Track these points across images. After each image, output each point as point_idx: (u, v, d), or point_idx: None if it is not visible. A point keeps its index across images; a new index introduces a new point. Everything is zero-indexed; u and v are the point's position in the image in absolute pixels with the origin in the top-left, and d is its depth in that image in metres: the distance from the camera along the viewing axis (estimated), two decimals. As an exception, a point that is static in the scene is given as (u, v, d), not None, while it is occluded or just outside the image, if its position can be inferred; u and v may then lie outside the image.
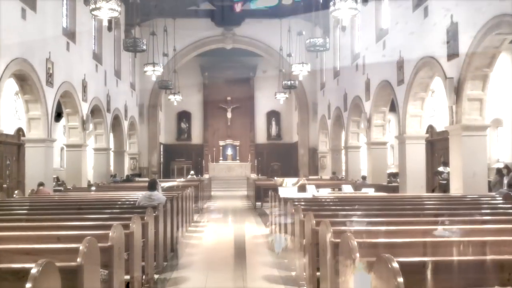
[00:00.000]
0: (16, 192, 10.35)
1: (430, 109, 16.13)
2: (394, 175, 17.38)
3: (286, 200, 7.99)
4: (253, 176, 25.85)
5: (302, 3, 20.77)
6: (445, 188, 12.60)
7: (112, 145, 20.82)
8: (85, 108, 16.35)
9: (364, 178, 16.01)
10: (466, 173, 10.14)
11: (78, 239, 3.79)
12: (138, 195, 8.46)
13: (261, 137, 32.04)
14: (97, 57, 18.37)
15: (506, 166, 11.22)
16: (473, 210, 6.66)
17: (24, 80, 12.12)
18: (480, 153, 10.30)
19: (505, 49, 10.39)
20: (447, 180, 12.24)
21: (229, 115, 31.22)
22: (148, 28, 20.42)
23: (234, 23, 25.04)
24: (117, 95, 20.83)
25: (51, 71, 13.19)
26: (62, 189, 13.78)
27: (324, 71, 24.83)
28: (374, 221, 5.46)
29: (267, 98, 29.50)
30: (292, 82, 21.56)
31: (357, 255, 3.43)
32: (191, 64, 28.66)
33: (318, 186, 12.03)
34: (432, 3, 11.78)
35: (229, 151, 30.41)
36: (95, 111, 17.79)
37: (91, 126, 16.96)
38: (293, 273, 6.56)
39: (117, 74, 21.37)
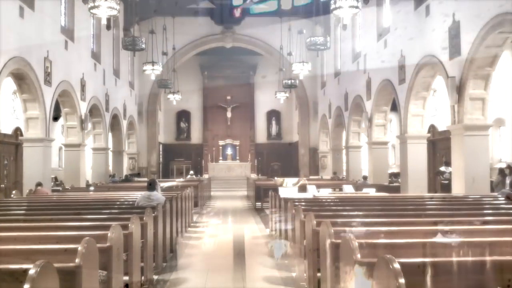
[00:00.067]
0: (14, 192, 10.29)
1: (432, 109, 16.08)
2: (395, 175, 17.32)
3: (286, 201, 7.94)
4: (253, 176, 25.82)
5: (302, 4, 20.73)
6: (447, 188, 12.55)
7: (110, 145, 20.78)
8: (83, 107, 16.29)
9: (365, 178, 15.96)
10: (468, 173, 10.09)
11: (76, 239, 3.77)
12: (137, 195, 8.41)
13: (261, 136, 32.00)
14: (96, 56, 18.31)
15: (509, 166, 11.16)
16: (475, 211, 6.62)
17: (22, 79, 12.07)
18: (482, 153, 10.24)
19: (507, 48, 10.33)
20: (449, 180, 12.18)
21: (229, 114, 31.17)
22: (147, 27, 20.34)
23: (234, 22, 24.99)
24: (116, 94, 20.79)
25: (49, 70, 13.13)
26: (60, 189, 13.72)
27: (325, 70, 24.78)
28: (375, 221, 5.41)
29: (267, 97, 29.47)
30: (293, 81, 21.51)
31: (358, 255, 3.40)
32: (190, 63, 28.62)
33: (318, 186, 12.01)
34: (433, 2, 11.72)
35: (229, 151, 30.37)
36: (93, 111, 17.73)
37: (89, 125, 16.89)
38: (294, 274, 6.51)
39: (116, 73, 21.32)
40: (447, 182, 12.83)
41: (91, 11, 10.54)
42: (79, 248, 3.39)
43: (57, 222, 5.63)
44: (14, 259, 3.57)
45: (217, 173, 28.19)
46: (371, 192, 10.96)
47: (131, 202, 7.97)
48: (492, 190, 10.76)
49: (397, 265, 2.76)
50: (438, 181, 14.22)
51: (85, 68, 16.66)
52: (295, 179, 15.64)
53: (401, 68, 13.54)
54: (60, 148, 19.51)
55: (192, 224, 12.04)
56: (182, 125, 31.65)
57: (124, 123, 22.60)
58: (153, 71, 19.27)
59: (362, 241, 3.74)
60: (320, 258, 4.81)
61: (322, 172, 24.21)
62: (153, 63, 19.04)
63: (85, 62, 16.95)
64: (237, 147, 30.59)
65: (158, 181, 9.42)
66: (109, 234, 4.23)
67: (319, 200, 8.66)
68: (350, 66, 19.45)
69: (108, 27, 19.21)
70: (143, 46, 16.88)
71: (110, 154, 20.91)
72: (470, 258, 3.54)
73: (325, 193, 10.81)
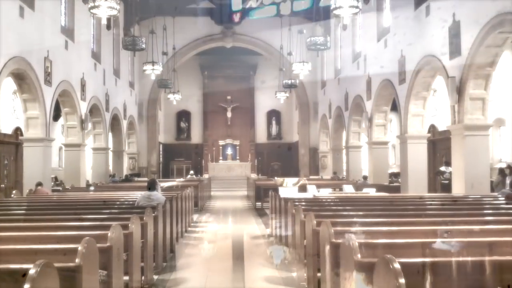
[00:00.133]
0: (14, 192, 10.27)
1: (432, 109, 16.07)
2: (395, 175, 17.32)
3: (286, 201, 7.93)
4: (253, 176, 25.80)
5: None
6: (447, 188, 12.54)
7: (111, 145, 20.77)
8: (83, 107, 16.29)
9: (365, 178, 15.95)
10: (468, 173, 10.08)
11: (76, 239, 3.77)
12: (137, 195, 8.40)
13: (261, 136, 31.99)
14: (96, 56, 18.30)
15: (509, 166, 11.15)
16: (475, 211, 6.61)
17: (22, 79, 12.07)
18: (482, 153, 10.23)
19: (507, 48, 10.32)
20: (449, 180, 12.18)
21: (229, 114, 31.15)
22: (147, 27, 20.33)
23: (234, 22, 24.94)
24: (116, 94, 20.79)
25: (49, 70, 13.12)
26: (61, 189, 13.72)
27: (325, 70, 24.77)
28: (375, 221, 5.41)
29: (268, 97, 29.47)
30: (293, 81, 21.50)
31: (358, 255, 3.39)
32: (190, 63, 28.62)
33: (318, 186, 11.99)
34: (433, 2, 11.72)
35: (229, 151, 30.37)
36: (93, 110, 17.73)
37: (89, 125, 16.89)
38: (294, 274, 6.50)
39: (116, 73, 21.32)
40: (447, 182, 12.83)
41: (91, 11, 10.53)
42: (79, 248, 3.39)
43: (57, 222, 5.62)
44: (14, 259, 3.56)
45: (217, 173, 28.19)
46: (371, 192, 10.95)
47: (131, 202, 7.97)
48: (492, 190, 10.75)
49: (397, 265, 2.76)
50: (438, 181, 14.22)
51: (85, 68, 16.66)
52: (295, 179, 15.61)
53: (401, 68, 13.54)
54: (60, 148, 19.52)
55: (192, 224, 12.03)
56: (182, 125, 31.64)
57: (124, 123, 22.60)
58: (153, 71, 19.25)
59: (362, 241, 3.74)
60: (320, 258, 4.80)
61: (322, 172, 24.20)
62: (153, 63, 19.02)
63: (85, 62, 16.94)
64: (237, 147, 30.58)
65: (158, 181, 9.41)
66: (109, 234, 4.23)
67: (319, 200, 8.65)
68: (350, 66, 19.45)
69: (108, 27, 19.20)
70: (143, 46, 16.86)
71: (110, 154, 20.91)
72: (470, 258, 3.53)
73: (325, 193, 10.80)
